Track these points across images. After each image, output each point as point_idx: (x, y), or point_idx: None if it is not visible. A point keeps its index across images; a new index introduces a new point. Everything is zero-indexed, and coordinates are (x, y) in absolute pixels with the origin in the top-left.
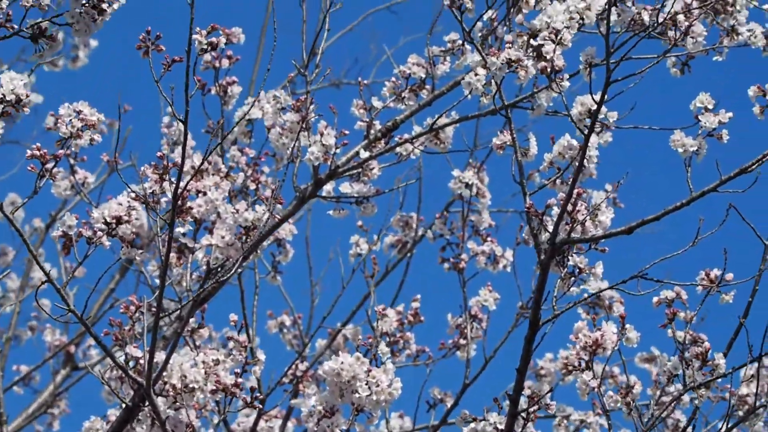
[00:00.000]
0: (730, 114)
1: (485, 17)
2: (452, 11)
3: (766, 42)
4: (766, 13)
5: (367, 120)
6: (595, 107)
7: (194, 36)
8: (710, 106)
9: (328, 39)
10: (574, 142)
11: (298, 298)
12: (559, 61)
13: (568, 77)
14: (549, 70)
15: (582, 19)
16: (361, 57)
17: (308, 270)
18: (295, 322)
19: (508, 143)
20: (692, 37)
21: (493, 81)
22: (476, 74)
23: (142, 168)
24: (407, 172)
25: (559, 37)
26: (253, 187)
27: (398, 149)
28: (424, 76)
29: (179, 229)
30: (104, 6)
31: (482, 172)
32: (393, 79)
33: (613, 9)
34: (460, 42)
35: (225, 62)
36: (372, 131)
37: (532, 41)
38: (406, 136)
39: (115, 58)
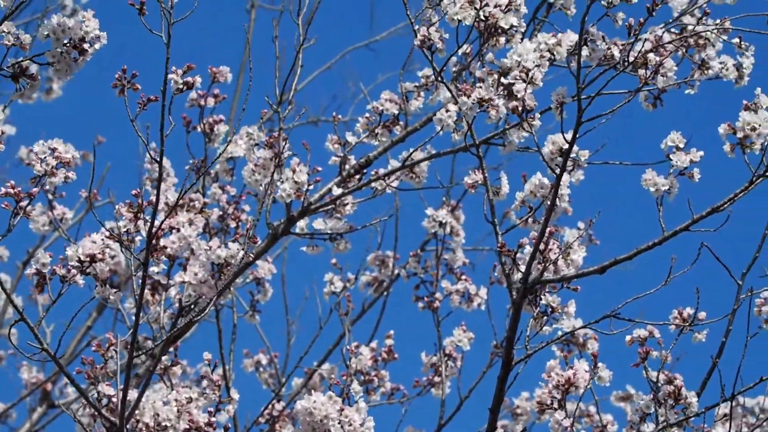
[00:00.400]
0: (702, 153)
1: (458, 53)
2: (423, 51)
3: (738, 74)
4: (736, 47)
5: (341, 155)
6: (566, 146)
7: (170, 75)
8: (681, 145)
9: (307, 77)
10: (546, 181)
11: (274, 337)
12: (531, 100)
13: (539, 115)
14: (520, 109)
15: (552, 55)
16: (340, 94)
17: (285, 308)
18: (272, 361)
19: (479, 182)
20: (663, 75)
21: (464, 119)
22: (447, 111)
23: (117, 206)
24: (384, 209)
25: (530, 76)
26: (233, 225)
27: (372, 185)
28: (397, 112)
29: (153, 268)
30: (85, 46)
31: (458, 211)
32: (366, 115)
33: (584, 47)
34: (433, 77)
35: (210, 101)
36: (346, 167)
37: (503, 80)
38: (380, 171)
39: (97, 91)
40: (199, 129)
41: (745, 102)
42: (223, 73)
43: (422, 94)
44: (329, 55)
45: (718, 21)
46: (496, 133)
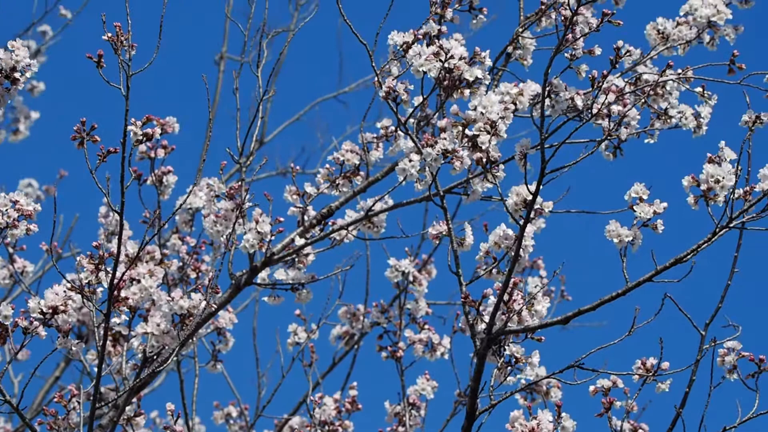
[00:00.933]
0: (665, 204)
1: (422, 104)
2: (388, 103)
3: (697, 123)
4: (698, 96)
5: (300, 206)
6: (530, 197)
7: (129, 127)
8: (645, 196)
9: (276, 127)
10: (510, 232)
11: (245, 389)
12: (495, 152)
13: (503, 167)
14: (485, 160)
15: (515, 104)
16: (309, 145)
17: (255, 360)
18: (242, 413)
19: (444, 233)
20: (625, 126)
21: (428, 171)
22: (410, 161)
23: (78, 258)
24: (347, 258)
25: (494, 128)
26: (193, 275)
27: (332, 236)
28: (358, 162)
29: (115, 320)
30: (17, 75)
31: (429, 265)
32: (327, 166)
33: (547, 98)
34: (393, 128)
35: (161, 152)
36: (306, 218)
37: (467, 131)
38: (340, 221)
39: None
40: (149, 181)
41: (709, 155)
42: (170, 123)
43: (382, 144)
44: (299, 106)
45: (680, 70)
46: (460, 183)
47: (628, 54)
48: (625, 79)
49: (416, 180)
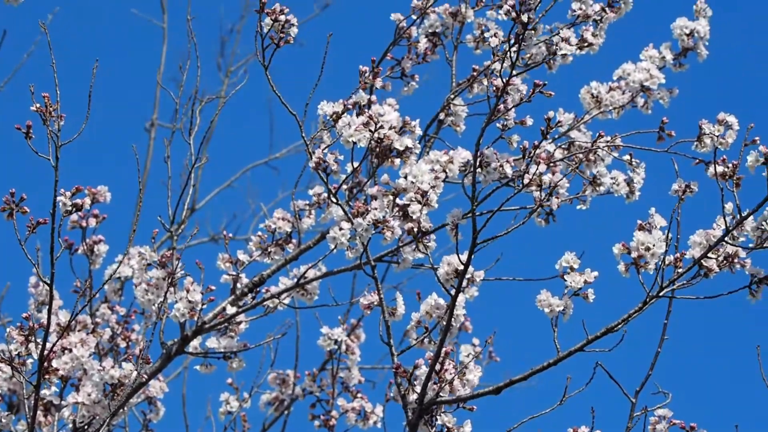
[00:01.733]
0: (596, 273)
1: (351, 173)
2: (318, 173)
3: (629, 189)
4: (626, 164)
5: (233, 274)
6: (461, 267)
7: (59, 198)
8: (575, 266)
9: (208, 194)
10: (441, 302)
11: None
12: (426, 222)
13: (434, 237)
14: (416, 231)
15: (445, 172)
16: (241, 211)
17: (185, 429)
18: None
19: (375, 303)
20: (557, 197)
21: (359, 240)
22: (341, 229)
23: (8, 330)
24: (279, 327)
25: (425, 199)
26: (123, 345)
27: (264, 303)
28: (290, 230)
29: (45, 391)
30: None
31: (358, 329)
32: (259, 233)
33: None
34: (325, 195)
35: (92, 221)
36: (239, 285)
37: (397, 200)
38: (273, 289)
39: None
40: (80, 250)
41: (639, 222)
42: (102, 193)
43: (314, 212)
44: (230, 172)
45: (609, 138)
46: (390, 252)
47: (559, 124)
48: (558, 144)
49: (347, 248)
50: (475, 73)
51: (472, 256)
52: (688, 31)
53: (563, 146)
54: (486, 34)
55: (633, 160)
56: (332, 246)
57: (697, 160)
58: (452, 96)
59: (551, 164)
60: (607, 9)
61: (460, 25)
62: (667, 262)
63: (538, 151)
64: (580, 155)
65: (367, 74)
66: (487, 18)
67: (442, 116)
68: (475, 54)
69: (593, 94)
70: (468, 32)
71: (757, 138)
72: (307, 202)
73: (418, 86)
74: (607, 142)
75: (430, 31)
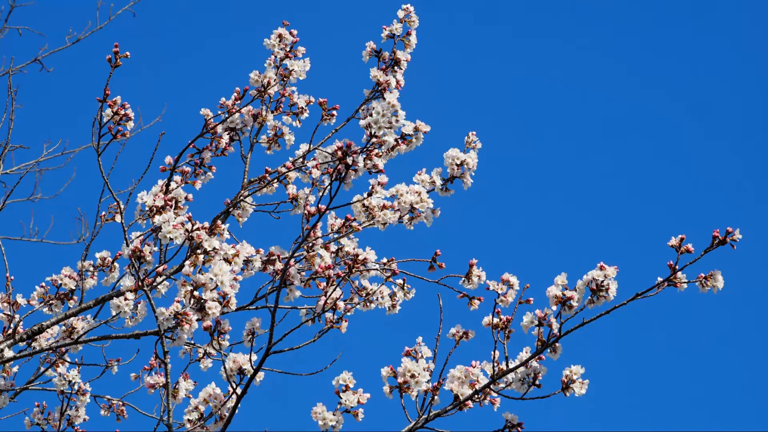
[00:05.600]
0: (368, 395)
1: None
2: (132, 260)
3: (391, 303)
4: (398, 288)
5: (9, 314)
6: (250, 368)
7: None
8: (351, 384)
9: None
10: (218, 391)
11: None
12: (225, 325)
13: (228, 338)
14: (213, 329)
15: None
16: None
17: None
18: None
19: (160, 385)
20: (340, 320)
21: (158, 326)
22: (126, 299)
23: None
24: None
25: (226, 299)
26: None
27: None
28: (73, 287)
29: None
30: None
31: None
32: (42, 284)
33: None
34: (110, 259)
35: None
36: (18, 331)
37: (195, 293)
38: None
39: None
40: None
41: (407, 348)
42: None
43: (96, 274)
44: None
45: (385, 260)
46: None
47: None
48: (330, 245)
49: (128, 318)
50: (266, 175)
51: (263, 363)
52: (459, 162)
53: (333, 251)
54: (279, 137)
55: (405, 285)
56: (114, 311)
57: (462, 294)
58: (245, 193)
59: (326, 275)
60: (399, 141)
61: (258, 126)
62: (425, 389)
63: (317, 260)
64: (350, 264)
65: (171, 164)
66: (282, 123)
67: (231, 209)
68: (267, 154)
69: (365, 204)
70: (264, 133)
71: (530, 299)
72: (92, 263)
73: (213, 177)
74: (384, 264)
75: (230, 126)
